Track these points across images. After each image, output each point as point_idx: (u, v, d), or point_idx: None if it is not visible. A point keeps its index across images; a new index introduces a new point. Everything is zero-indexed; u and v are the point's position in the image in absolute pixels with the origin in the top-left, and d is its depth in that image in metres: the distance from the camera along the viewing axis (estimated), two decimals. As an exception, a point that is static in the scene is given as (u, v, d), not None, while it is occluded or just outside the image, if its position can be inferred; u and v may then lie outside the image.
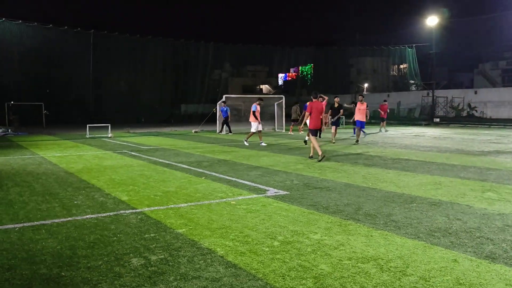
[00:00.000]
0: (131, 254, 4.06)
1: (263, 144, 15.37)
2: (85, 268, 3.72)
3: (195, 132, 24.03)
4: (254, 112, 15.91)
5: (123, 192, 7.00)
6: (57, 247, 4.27)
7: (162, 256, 3.99)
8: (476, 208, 5.77)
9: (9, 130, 24.19)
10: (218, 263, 3.82)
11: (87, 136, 20.94)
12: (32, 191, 7.11)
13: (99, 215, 5.52)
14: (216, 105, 24.41)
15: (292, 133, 22.15)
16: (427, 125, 31.75)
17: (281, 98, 26.14)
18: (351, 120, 20.31)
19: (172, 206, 6.02)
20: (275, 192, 6.88)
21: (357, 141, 16.02)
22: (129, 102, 41.76)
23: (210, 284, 3.38)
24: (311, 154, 11.33)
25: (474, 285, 3.33)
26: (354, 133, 20.67)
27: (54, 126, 30.68)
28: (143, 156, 12.35)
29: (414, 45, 51.81)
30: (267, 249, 4.19)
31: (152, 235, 4.65)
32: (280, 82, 71.72)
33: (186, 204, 6.10)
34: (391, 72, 63.43)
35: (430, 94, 39.28)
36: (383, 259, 3.88)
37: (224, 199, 6.40)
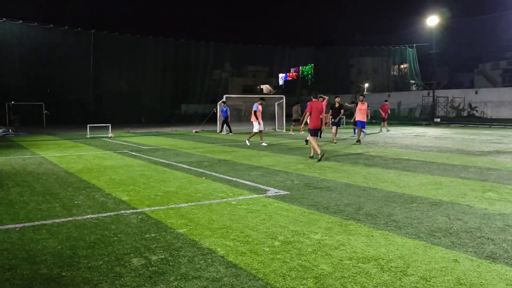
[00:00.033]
0: (131, 254, 4.06)
1: (263, 144, 15.37)
2: (86, 268, 3.72)
3: (196, 132, 24.03)
4: (255, 112, 15.92)
5: (124, 192, 7.01)
6: (57, 247, 4.27)
7: (163, 256, 3.99)
8: (477, 208, 5.76)
9: (10, 130, 24.20)
10: (218, 263, 3.82)
11: (88, 136, 20.95)
12: (32, 191, 7.12)
13: (100, 215, 5.53)
14: (217, 105, 24.41)
15: (292, 133, 22.14)
16: (428, 125, 31.73)
17: (282, 98, 26.14)
18: (352, 120, 20.31)
19: (172, 206, 6.02)
20: (275, 192, 6.88)
21: (358, 141, 16.00)
22: (129, 102, 41.77)
23: (210, 284, 3.38)
24: (311, 154, 11.32)
25: (474, 285, 3.32)
26: (355, 133, 20.69)
27: (55, 126, 30.69)
28: (144, 156, 12.36)
29: (414, 45, 51.78)
30: (267, 249, 4.19)
31: (152, 235, 4.65)
32: (281, 82, 71.67)
33: (186, 204, 6.10)
34: (392, 72, 63.43)
35: (431, 94, 39.27)
36: (383, 259, 3.88)
37: (225, 199, 6.40)
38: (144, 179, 8.28)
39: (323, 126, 14.62)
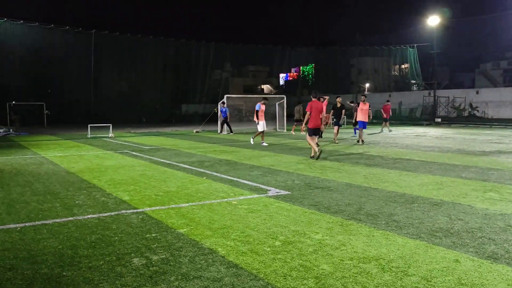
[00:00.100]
0: (132, 254, 4.06)
1: (264, 144, 15.37)
2: (87, 268, 3.72)
3: (196, 132, 24.04)
4: (257, 111, 15.93)
5: (125, 192, 7.01)
6: (58, 247, 4.27)
7: (164, 256, 3.99)
8: (478, 208, 5.76)
9: (11, 130, 24.23)
10: (219, 263, 3.82)
11: (89, 136, 20.96)
12: (33, 191, 7.12)
13: (101, 215, 5.53)
14: (218, 105, 24.43)
15: (293, 133, 22.15)
16: (429, 125, 31.71)
17: (283, 98, 26.14)
18: (353, 121, 20.31)
19: (173, 206, 6.02)
20: (276, 192, 6.87)
21: (358, 141, 15.97)
22: (130, 102, 41.81)
23: (211, 284, 3.37)
24: (312, 154, 11.33)
25: (476, 285, 3.32)
26: (355, 133, 20.68)
27: (55, 126, 30.73)
28: (144, 156, 12.36)
29: (415, 45, 51.75)
30: (268, 249, 4.18)
31: (153, 235, 4.65)
32: (282, 82, 71.72)
33: (187, 204, 6.10)
34: (393, 72, 63.39)
35: (432, 94, 39.26)
36: (384, 259, 3.88)
37: (226, 199, 6.40)
38: (145, 179, 8.29)
39: (323, 126, 14.62)
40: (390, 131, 23.40)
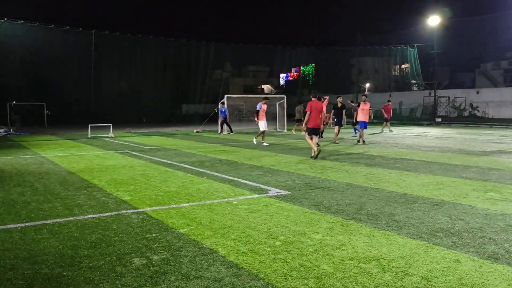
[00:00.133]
0: (132, 254, 4.06)
1: (265, 144, 15.37)
2: (87, 268, 3.72)
3: (197, 132, 24.04)
4: (257, 111, 15.94)
5: (125, 192, 7.01)
6: (59, 247, 4.27)
7: (164, 256, 3.99)
8: (479, 208, 5.75)
9: (11, 130, 24.24)
10: (219, 263, 3.82)
11: (89, 136, 20.97)
12: (34, 191, 7.12)
13: (101, 215, 5.53)
14: (218, 105, 24.45)
15: (294, 132, 22.16)
16: (429, 125, 31.70)
17: (283, 98, 26.14)
18: (352, 120, 20.30)
19: (173, 206, 6.01)
20: (276, 192, 6.87)
21: (359, 141, 15.96)
22: (130, 102, 41.84)
23: (211, 284, 3.37)
24: (312, 154, 11.33)
25: (476, 285, 3.31)
26: (355, 133, 20.67)
27: (55, 126, 30.75)
28: (145, 156, 12.36)
29: (415, 45, 51.74)
30: (268, 249, 4.18)
31: (153, 235, 4.65)
32: (282, 82, 71.73)
33: (187, 204, 6.10)
34: (393, 72, 63.38)
35: (432, 94, 39.24)
36: (385, 259, 3.87)
37: (226, 199, 6.40)
38: (145, 179, 8.29)
39: (322, 126, 14.58)
40: (390, 131, 23.39)
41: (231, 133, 22.41)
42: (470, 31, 52.98)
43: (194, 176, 8.55)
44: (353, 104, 22.84)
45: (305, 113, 11.56)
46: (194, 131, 24.44)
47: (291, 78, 69.09)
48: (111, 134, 21.10)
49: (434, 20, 35.95)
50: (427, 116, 38.59)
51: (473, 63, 67.63)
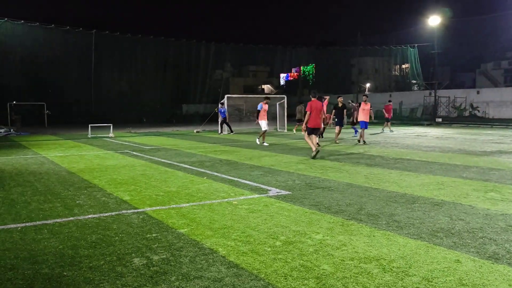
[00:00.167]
0: (133, 254, 4.05)
1: (265, 144, 15.37)
2: (87, 268, 3.72)
3: (197, 132, 24.04)
4: (258, 111, 15.93)
5: (125, 192, 7.00)
6: (59, 247, 4.27)
7: (164, 256, 3.99)
8: (479, 208, 5.75)
9: (11, 130, 24.25)
10: (220, 263, 3.82)
11: (89, 136, 20.97)
12: (34, 191, 7.12)
13: (101, 215, 5.53)
14: (218, 105, 24.47)
15: (295, 132, 22.17)
16: (429, 125, 31.69)
17: (283, 98, 26.14)
18: (351, 120, 20.30)
19: (174, 206, 6.01)
20: (277, 192, 6.87)
21: (359, 141, 15.95)
22: (130, 102, 41.85)
23: (212, 284, 3.37)
24: (313, 154, 11.32)
25: (477, 286, 3.31)
26: (356, 133, 20.67)
27: (56, 126, 30.76)
28: (145, 156, 12.36)
29: (416, 45, 51.73)
30: (269, 249, 4.18)
31: (154, 235, 4.65)
32: (282, 82, 71.73)
33: (188, 204, 6.10)
34: (393, 72, 63.35)
35: (432, 94, 39.23)
36: (385, 259, 3.87)
37: (226, 199, 6.40)
38: (145, 179, 8.29)
39: (322, 126, 14.57)
40: (391, 131, 23.38)
41: (231, 133, 22.42)
42: (470, 31, 52.97)
43: (194, 176, 8.55)
44: (353, 104, 22.82)
45: (305, 113, 11.56)
46: (195, 131, 24.44)
47: (292, 78, 69.09)
48: (111, 134, 21.11)
49: (434, 20, 35.93)
50: (427, 116, 38.58)
51: (474, 63, 67.62)
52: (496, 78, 64.51)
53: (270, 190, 7.03)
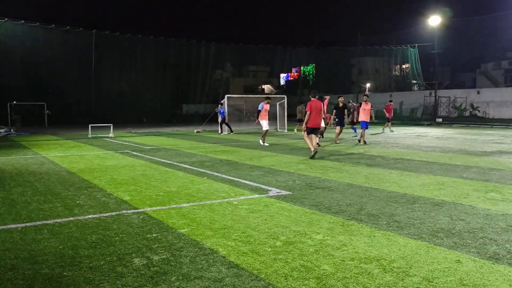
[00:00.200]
0: (133, 254, 4.05)
1: (265, 144, 15.37)
2: (87, 268, 3.72)
3: (197, 132, 24.04)
4: (259, 111, 15.92)
5: (125, 192, 7.00)
6: (59, 247, 4.27)
7: (164, 256, 3.99)
8: (479, 208, 5.74)
9: (12, 130, 24.25)
10: (220, 263, 3.81)
11: (89, 136, 20.97)
12: (34, 191, 7.12)
13: (101, 215, 5.52)
14: (219, 105, 24.48)
15: (296, 132, 22.18)
16: (430, 125, 31.68)
17: (283, 98, 26.15)
18: (350, 119, 20.28)
19: (174, 206, 6.01)
20: (277, 192, 6.86)
21: (360, 141, 15.94)
22: (130, 102, 41.85)
23: (212, 284, 3.37)
24: (311, 154, 11.32)
25: (477, 286, 3.31)
26: (355, 132, 20.66)
27: (56, 126, 30.76)
28: (145, 156, 12.36)
29: (416, 45, 51.71)
30: (269, 249, 4.17)
31: (154, 235, 4.64)
32: (282, 82, 71.74)
33: (188, 204, 6.09)
34: (393, 72, 63.34)
35: (433, 94, 39.22)
36: (386, 260, 3.87)
37: (226, 199, 6.39)
38: (145, 179, 8.28)
39: (324, 126, 14.56)
40: (391, 131, 23.38)
41: (231, 133, 22.43)
42: (470, 31, 52.93)
43: (194, 176, 8.54)
44: (354, 104, 22.81)
45: (305, 113, 11.57)
46: (195, 131, 24.44)
47: (292, 78, 69.11)
48: (111, 134, 21.11)
49: (434, 20, 35.93)
50: (427, 116, 38.57)
51: (474, 63, 67.61)
52: (496, 78, 64.50)
53: (270, 190, 7.02)
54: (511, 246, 4.20)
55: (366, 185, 7.43)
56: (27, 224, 5.11)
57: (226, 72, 59.88)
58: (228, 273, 3.59)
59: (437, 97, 38.07)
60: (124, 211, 5.69)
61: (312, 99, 11.36)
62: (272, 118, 26.37)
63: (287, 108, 26.14)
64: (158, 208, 5.88)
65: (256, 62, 62.80)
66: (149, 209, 5.83)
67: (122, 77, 44.77)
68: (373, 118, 16.88)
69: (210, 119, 26.49)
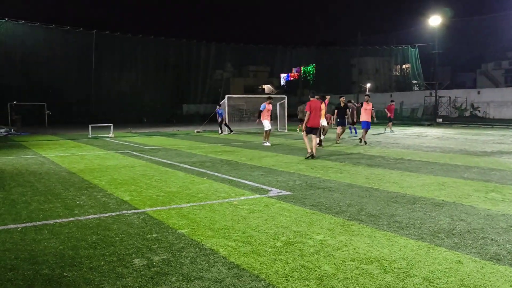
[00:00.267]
0: (133, 255, 4.05)
1: (266, 144, 15.36)
2: (88, 269, 3.71)
3: (197, 132, 24.04)
4: (261, 111, 15.91)
5: (126, 192, 7.00)
6: (59, 248, 4.26)
7: (165, 257, 3.98)
8: (480, 209, 5.74)
9: (12, 130, 24.25)
10: (220, 263, 3.81)
11: (90, 136, 20.97)
12: (34, 191, 7.11)
13: (102, 215, 5.52)
14: (217, 106, 24.49)
15: (299, 131, 22.19)
16: (430, 125, 31.67)
17: (284, 98, 26.15)
18: (349, 120, 20.25)
19: (174, 206, 6.00)
20: (277, 193, 6.86)
21: (361, 141, 15.93)
22: (131, 102, 41.84)
23: (212, 285, 3.36)
24: (313, 154, 11.31)
25: (478, 287, 3.30)
26: (356, 133, 20.66)
27: (56, 126, 30.76)
28: (145, 156, 12.35)
29: (416, 45, 51.68)
30: (270, 249, 4.17)
31: (154, 235, 4.64)
32: (283, 82, 71.75)
33: (188, 204, 6.09)
34: (394, 72, 63.33)
35: (433, 94, 39.20)
36: (386, 260, 3.86)
37: (227, 200, 6.39)
38: (146, 179, 8.28)
39: (324, 126, 14.53)
40: (392, 131, 23.37)
41: (231, 133, 22.45)
42: (471, 31, 52.93)
43: (195, 177, 8.54)
44: (355, 105, 22.80)
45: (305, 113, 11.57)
46: (195, 131, 24.44)
47: (292, 78, 69.13)
48: (111, 134, 21.10)
49: (435, 20, 35.91)
50: (428, 117, 38.56)
51: (474, 63, 67.61)
52: (496, 78, 64.49)
53: (270, 191, 7.02)
54: (512, 247, 4.19)
55: (367, 186, 7.43)
56: (27, 224, 5.11)
57: (226, 72, 59.86)
58: (228, 273, 3.58)
59: (437, 97, 38.05)
60: (124, 212, 5.69)
61: (311, 99, 11.36)
62: (272, 118, 26.41)
63: (287, 108, 26.14)
64: (158, 208, 5.88)
65: (256, 62, 62.81)
66: (149, 209, 5.82)
67: (122, 77, 44.76)
68: (375, 118, 16.83)
69: (210, 119, 26.49)
